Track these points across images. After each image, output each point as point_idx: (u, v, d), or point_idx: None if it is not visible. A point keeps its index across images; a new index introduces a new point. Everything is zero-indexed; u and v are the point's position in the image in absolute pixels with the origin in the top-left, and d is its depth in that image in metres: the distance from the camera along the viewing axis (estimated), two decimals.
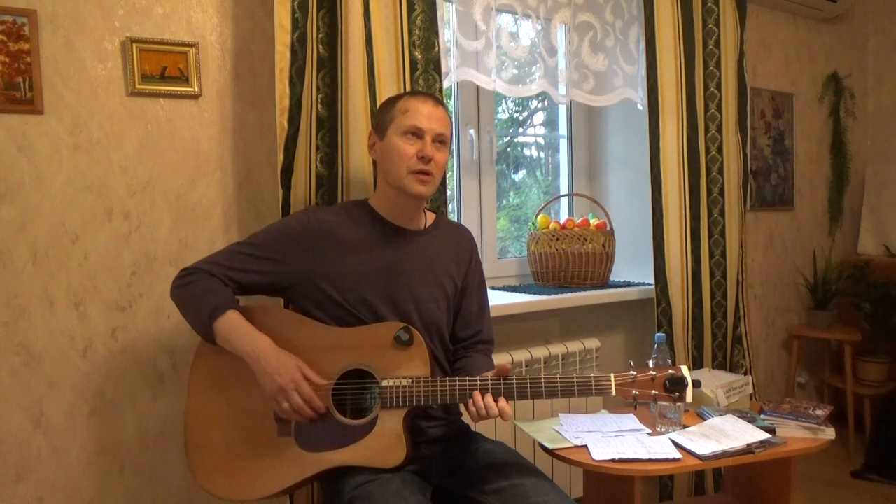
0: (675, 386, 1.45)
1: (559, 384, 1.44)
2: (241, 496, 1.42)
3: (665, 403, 1.44)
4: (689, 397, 1.46)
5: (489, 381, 1.43)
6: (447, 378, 1.44)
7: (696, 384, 1.47)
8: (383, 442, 1.42)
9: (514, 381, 1.43)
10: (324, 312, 1.52)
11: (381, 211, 1.59)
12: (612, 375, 1.46)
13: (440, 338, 1.60)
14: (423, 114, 1.50)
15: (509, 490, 1.42)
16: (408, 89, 1.85)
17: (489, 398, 1.40)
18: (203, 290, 1.45)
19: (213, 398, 1.48)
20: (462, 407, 1.68)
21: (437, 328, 1.59)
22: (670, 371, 1.46)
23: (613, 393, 1.45)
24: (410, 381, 1.42)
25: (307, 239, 1.52)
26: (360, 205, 1.62)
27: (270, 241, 1.52)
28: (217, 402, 1.47)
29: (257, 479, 1.42)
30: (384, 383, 1.43)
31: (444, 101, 1.90)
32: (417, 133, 1.50)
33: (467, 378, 1.43)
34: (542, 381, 1.44)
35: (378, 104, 1.78)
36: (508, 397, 1.42)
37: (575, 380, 1.44)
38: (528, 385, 1.43)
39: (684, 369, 1.47)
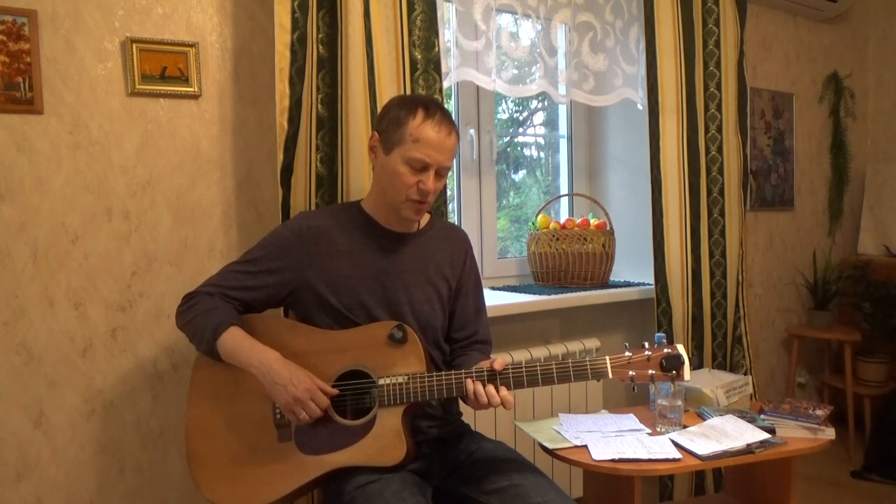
0: (672, 364, 1.43)
1: (555, 370, 1.44)
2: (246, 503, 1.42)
3: (663, 384, 1.41)
4: (686, 375, 1.45)
5: (485, 372, 1.43)
6: (443, 372, 1.45)
7: (692, 363, 1.46)
8: (383, 440, 1.42)
9: (510, 370, 1.44)
10: (322, 317, 1.53)
11: (374, 215, 1.59)
12: (607, 358, 1.46)
13: (435, 339, 1.60)
14: (432, 147, 1.46)
15: (509, 490, 1.42)
16: (408, 89, 1.85)
17: (490, 387, 1.42)
18: (204, 310, 1.46)
19: (213, 409, 1.48)
20: (462, 403, 1.68)
21: (433, 330, 1.59)
22: (666, 350, 1.46)
23: (610, 375, 1.44)
24: (407, 377, 1.43)
25: (301, 246, 1.52)
26: (353, 207, 1.62)
27: (265, 254, 1.53)
28: (217, 413, 1.48)
29: (261, 486, 1.42)
30: (381, 382, 1.43)
31: (444, 102, 1.91)
32: (423, 166, 1.47)
33: (463, 371, 1.44)
34: (538, 367, 1.44)
35: (378, 104, 1.78)
36: (505, 386, 1.43)
37: (571, 365, 1.45)
38: (524, 373, 1.44)
39: (680, 347, 1.46)
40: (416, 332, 1.50)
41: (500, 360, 1.45)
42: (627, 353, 1.46)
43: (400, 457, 1.41)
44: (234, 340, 1.42)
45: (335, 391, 1.43)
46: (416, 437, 1.51)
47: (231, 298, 1.49)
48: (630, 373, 1.44)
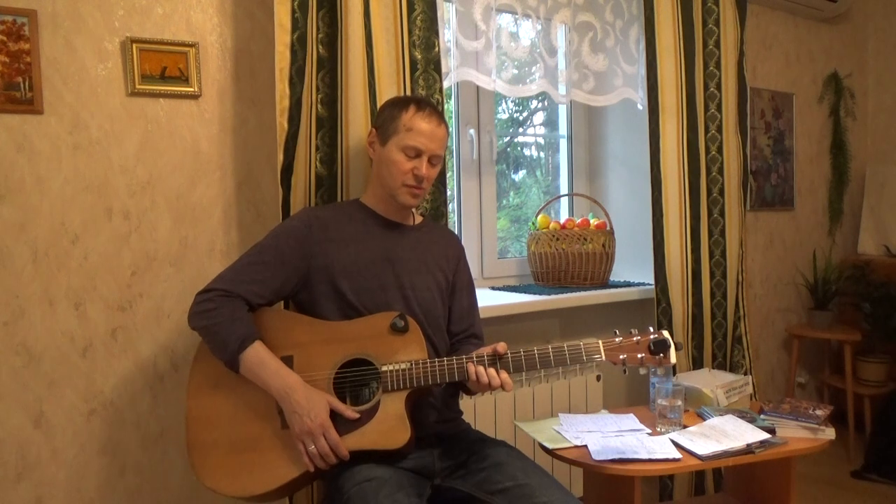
0: (659, 348, 1.52)
1: (551, 354, 1.52)
2: (249, 491, 1.42)
3: (652, 367, 1.53)
4: (672, 358, 1.54)
5: (485, 356, 1.49)
6: (444, 358, 1.49)
7: (678, 347, 1.57)
8: (386, 424, 1.44)
9: (509, 355, 1.50)
10: (327, 304, 1.56)
11: (374, 207, 1.66)
12: (599, 342, 1.54)
13: (437, 326, 1.64)
14: (425, 135, 1.58)
15: (514, 490, 1.42)
16: (408, 89, 1.85)
17: (491, 369, 1.47)
18: (227, 318, 1.46)
19: (214, 398, 1.48)
20: (462, 404, 1.68)
21: (435, 317, 1.63)
22: (653, 335, 1.54)
23: (603, 357, 1.53)
24: (410, 363, 1.47)
25: (310, 235, 1.57)
26: (353, 202, 1.70)
27: (277, 244, 1.56)
28: (218, 402, 1.48)
29: (262, 473, 1.43)
30: (384, 368, 1.46)
31: (444, 102, 1.92)
32: (417, 153, 1.57)
33: (464, 356, 1.49)
34: (535, 351, 1.51)
35: (378, 104, 1.78)
36: (505, 370, 1.49)
37: (566, 348, 1.52)
38: (523, 356, 1.50)
39: (666, 333, 1.56)
40: (419, 317, 1.57)
41: (502, 343, 1.51)
42: (618, 339, 1.55)
43: (404, 439, 1.43)
44: (259, 359, 1.44)
45: (354, 414, 1.44)
46: (418, 432, 1.52)
47: (248, 294, 1.50)
48: (621, 356, 1.53)
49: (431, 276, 1.66)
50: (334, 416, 1.43)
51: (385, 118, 1.61)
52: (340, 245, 1.58)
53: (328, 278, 1.56)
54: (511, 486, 1.43)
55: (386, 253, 1.61)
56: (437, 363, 1.47)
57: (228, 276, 1.52)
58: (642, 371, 1.55)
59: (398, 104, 1.62)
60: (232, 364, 1.44)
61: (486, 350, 1.50)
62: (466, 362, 1.48)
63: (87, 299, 1.68)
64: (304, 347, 1.49)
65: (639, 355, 1.53)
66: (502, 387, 1.47)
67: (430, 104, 1.64)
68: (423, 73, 1.88)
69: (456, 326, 1.72)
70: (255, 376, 1.44)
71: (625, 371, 1.54)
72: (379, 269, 1.59)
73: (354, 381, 1.49)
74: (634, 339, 1.54)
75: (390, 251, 1.62)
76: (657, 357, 1.52)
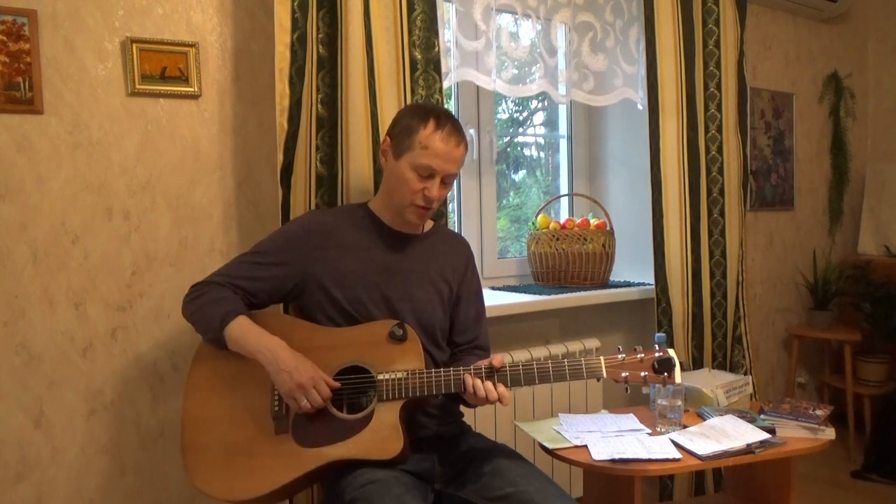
0: (664, 367, 1.48)
1: (551, 369, 1.48)
2: (239, 495, 1.42)
3: (656, 385, 1.47)
4: (677, 378, 1.50)
5: (483, 369, 1.47)
6: (441, 369, 1.47)
7: (684, 367, 1.52)
8: (380, 434, 1.43)
9: (508, 368, 1.47)
10: (324, 312, 1.55)
11: (381, 216, 1.63)
12: (601, 358, 1.50)
13: (434, 338, 1.62)
14: (440, 156, 1.51)
15: (514, 496, 1.42)
16: (408, 89, 1.85)
17: (489, 382, 1.45)
18: (213, 299, 1.48)
19: (211, 401, 1.48)
20: (462, 407, 1.68)
21: (433, 329, 1.61)
22: (658, 353, 1.51)
23: (604, 375, 1.49)
24: (406, 373, 1.45)
25: (309, 241, 1.56)
26: (361, 208, 1.66)
27: (274, 247, 1.56)
28: (214, 405, 1.48)
29: (255, 477, 1.43)
30: (380, 377, 1.45)
31: (444, 102, 1.91)
32: (430, 173, 1.52)
33: (461, 368, 1.47)
34: (535, 366, 1.48)
35: (378, 104, 1.78)
36: (503, 383, 1.47)
37: (566, 364, 1.49)
38: (521, 371, 1.48)
39: (671, 351, 1.52)
40: (416, 330, 1.53)
41: (498, 356, 1.48)
42: (621, 355, 1.51)
43: (396, 450, 1.41)
44: (242, 329, 1.45)
45: (337, 384, 1.45)
46: (417, 433, 1.52)
47: (238, 288, 1.52)
48: (623, 374, 1.49)
49: (433, 287, 1.63)
50: (327, 424, 1.43)
51: (401, 130, 1.54)
52: (340, 253, 1.56)
53: (324, 286, 1.54)
54: (511, 493, 1.43)
55: (386, 264, 1.59)
56: (433, 374, 1.46)
57: (222, 271, 1.55)
58: (645, 390, 1.51)
59: (417, 115, 1.54)
60: (218, 340, 1.46)
61: (483, 363, 1.49)
62: (464, 374, 1.46)
63: (87, 299, 1.68)
64: (304, 353, 1.47)
65: (642, 373, 1.49)
66: (500, 400, 1.45)
67: (450, 120, 1.54)
68: (423, 73, 1.87)
69: (460, 337, 1.69)
70: (240, 347, 1.44)
71: (627, 389, 1.50)
72: (377, 281, 1.56)
73: (351, 388, 1.48)
74: (638, 356, 1.50)
75: (392, 263, 1.59)
76: (661, 375, 1.49)
